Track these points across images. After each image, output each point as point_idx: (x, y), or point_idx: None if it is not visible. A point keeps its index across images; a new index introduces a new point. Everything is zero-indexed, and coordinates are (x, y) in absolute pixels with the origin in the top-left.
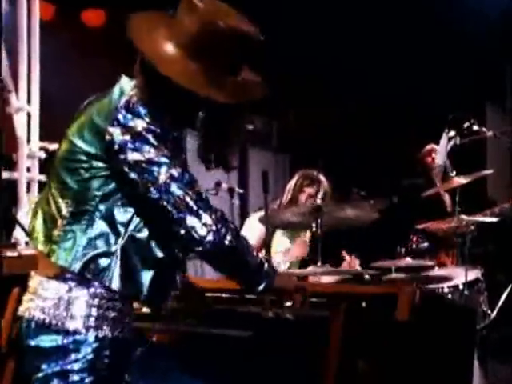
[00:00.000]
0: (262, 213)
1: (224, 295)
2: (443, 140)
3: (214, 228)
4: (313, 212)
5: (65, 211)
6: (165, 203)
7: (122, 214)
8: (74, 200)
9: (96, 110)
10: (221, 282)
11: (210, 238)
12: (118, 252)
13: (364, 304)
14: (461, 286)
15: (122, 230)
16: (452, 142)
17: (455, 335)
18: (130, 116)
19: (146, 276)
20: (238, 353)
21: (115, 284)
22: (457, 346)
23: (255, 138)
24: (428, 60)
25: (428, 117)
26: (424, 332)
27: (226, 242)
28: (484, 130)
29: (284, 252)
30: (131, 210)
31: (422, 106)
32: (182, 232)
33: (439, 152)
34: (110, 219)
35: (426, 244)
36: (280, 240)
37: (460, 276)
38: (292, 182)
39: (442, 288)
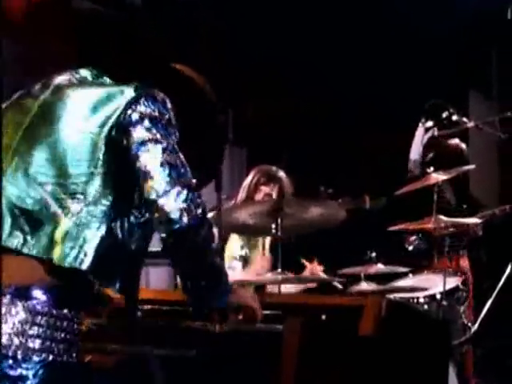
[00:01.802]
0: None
1: (165, 308)
2: (419, 131)
3: (193, 214)
4: (272, 212)
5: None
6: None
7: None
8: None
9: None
10: (165, 293)
11: (186, 221)
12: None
13: (324, 317)
14: (438, 296)
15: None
16: (429, 134)
17: (427, 352)
18: (154, 104)
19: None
20: (180, 373)
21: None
22: (428, 364)
23: None
24: (402, 44)
25: (403, 106)
26: (391, 348)
27: (202, 235)
28: (465, 120)
29: (243, 263)
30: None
31: (395, 95)
32: (163, 207)
33: (414, 145)
34: None
35: (422, 245)
36: (235, 244)
37: (438, 284)
38: (248, 180)
39: (417, 298)
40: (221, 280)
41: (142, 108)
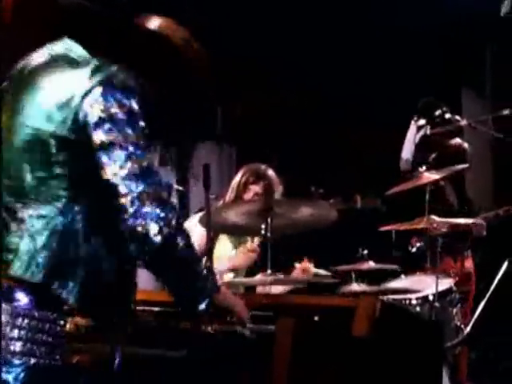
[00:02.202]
0: (203, 213)
1: (155, 309)
2: (411, 130)
3: (167, 230)
4: (261, 212)
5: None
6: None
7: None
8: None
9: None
10: (153, 293)
11: (160, 239)
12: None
13: (317, 318)
14: (431, 298)
15: None
16: (421, 132)
17: (421, 353)
18: (113, 95)
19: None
20: (170, 375)
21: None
22: (422, 366)
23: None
24: (393, 40)
25: (395, 104)
26: (385, 349)
27: (179, 248)
28: (458, 118)
29: (229, 259)
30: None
31: (387, 93)
32: (135, 227)
33: (406, 143)
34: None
35: (425, 247)
36: (224, 245)
37: (430, 286)
38: (236, 179)
39: (410, 300)
40: (205, 286)
41: (99, 104)
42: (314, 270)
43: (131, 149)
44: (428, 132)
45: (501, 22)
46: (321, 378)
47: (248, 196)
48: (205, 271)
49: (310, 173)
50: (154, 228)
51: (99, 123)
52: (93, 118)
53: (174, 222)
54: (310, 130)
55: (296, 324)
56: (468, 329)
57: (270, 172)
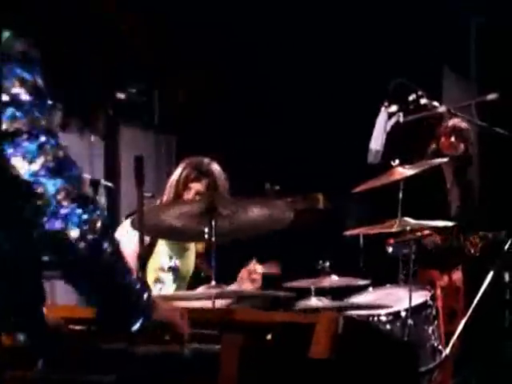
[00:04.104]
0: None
1: (81, 327)
2: (381, 117)
3: (91, 235)
4: (204, 213)
5: None
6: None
7: None
8: None
9: None
10: (78, 309)
11: (83, 246)
12: None
13: (269, 336)
14: (403, 313)
15: None
16: (393, 120)
17: (391, 379)
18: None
19: None
20: None
21: None
22: None
23: (129, 112)
24: (361, 9)
25: (362, 88)
26: (348, 373)
27: (105, 255)
28: (436, 104)
29: (173, 275)
30: None
31: (353, 73)
32: (53, 232)
33: (376, 133)
34: None
35: (404, 250)
36: (163, 254)
37: (403, 299)
38: (175, 175)
39: (378, 316)
40: (139, 301)
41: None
42: (261, 270)
43: (43, 138)
44: (401, 120)
45: None
46: None
47: (189, 195)
48: (138, 284)
49: (263, 167)
50: (75, 232)
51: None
52: None
53: (99, 225)
54: (263, 117)
55: (244, 343)
56: (447, 350)
57: (215, 167)
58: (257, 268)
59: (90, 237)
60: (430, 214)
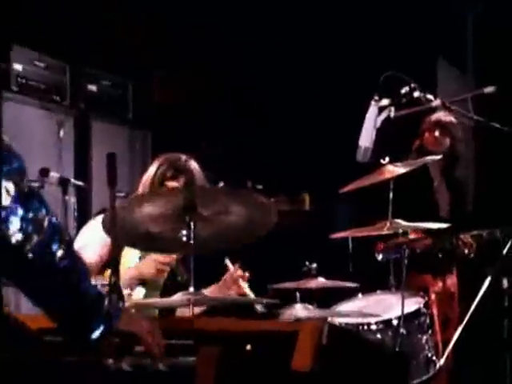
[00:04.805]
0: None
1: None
2: (371, 112)
3: (38, 236)
4: (183, 214)
5: None
6: None
7: None
8: None
9: None
10: (41, 319)
11: (29, 247)
12: None
13: (249, 347)
14: (395, 322)
15: None
16: (384, 115)
17: None
18: None
19: None
20: None
21: None
22: None
23: (101, 106)
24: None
25: (352, 81)
26: None
27: (55, 259)
28: (430, 97)
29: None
30: None
31: (343, 67)
32: None
33: (365, 129)
34: None
35: (393, 255)
36: (133, 255)
37: (395, 307)
38: (150, 172)
39: (368, 324)
40: (98, 307)
41: None
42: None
43: None
44: (392, 114)
45: None
46: None
47: None
48: (98, 287)
49: (245, 165)
50: (17, 235)
51: None
52: None
53: (45, 224)
54: (244, 112)
55: (222, 355)
56: (441, 361)
57: (193, 164)
58: (240, 273)
59: (35, 238)
60: (418, 215)
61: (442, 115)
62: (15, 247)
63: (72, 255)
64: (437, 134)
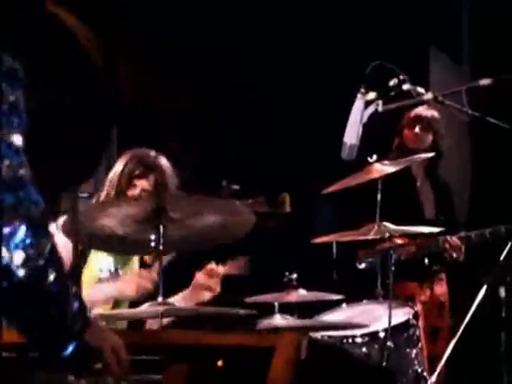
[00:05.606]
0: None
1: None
2: (357, 106)
3: (35, 261)
4: (152, 217)
5: None
6: None
7: None
8: None
9: None
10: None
11: (24, 273)
12: None
13: (220, 362)
14: (382, 334)
15: None
16: (371, 109)
17: None
18: None
19: None
20: None
21: None
22: None
23: None
24: None
25: (336, 72)
26: None
27: (46, 284)
28: (421, 90)
29: (110, 278)
30: None
31: (325, 57)
32: None
33: (350, 125)
34: None
35: (377, 263)
36: (101, 260)
37: (382, 318)
38: (116, 170)
39: (353, 337)
40: (73, 324)
41: None
42: (221, 271)
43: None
44: (380, 109)
45: None
46: None
47: (133, 194)
48: (76, 305)
49: (220, 163)
50: (18, 257)
51: None
52: None
53: (47, 251)
54: (217, 105)
55: (191, 371)
56: (433, 378)
57: (163, 161)
58: (217, 270)
59: (33, 263)
60: (401, 217)
61: (422, 110)
62: (12, 270)
63: (62, 278)
64: (417, 130)
